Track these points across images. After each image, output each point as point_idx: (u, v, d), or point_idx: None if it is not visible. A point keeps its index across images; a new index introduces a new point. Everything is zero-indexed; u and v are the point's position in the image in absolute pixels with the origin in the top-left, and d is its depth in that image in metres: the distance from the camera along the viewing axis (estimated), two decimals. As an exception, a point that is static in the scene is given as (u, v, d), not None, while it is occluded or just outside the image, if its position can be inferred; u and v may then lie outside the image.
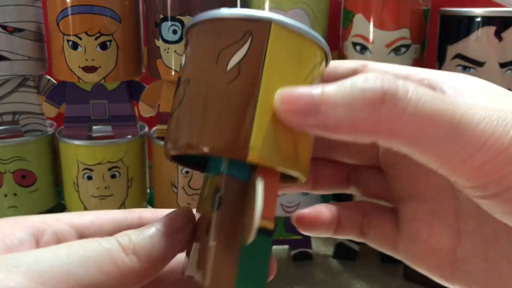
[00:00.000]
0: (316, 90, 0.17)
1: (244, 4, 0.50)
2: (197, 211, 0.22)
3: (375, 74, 0.17)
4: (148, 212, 0.24)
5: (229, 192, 0.20)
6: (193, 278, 0.21)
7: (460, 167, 0.17)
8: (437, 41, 0.51)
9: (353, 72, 0.21)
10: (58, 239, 0.21)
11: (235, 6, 0.48)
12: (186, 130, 0.19)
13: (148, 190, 0.55)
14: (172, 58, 0.46)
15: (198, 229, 0.21)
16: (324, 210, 0.25)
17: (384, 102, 0.16)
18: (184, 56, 0.21)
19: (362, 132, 0.17)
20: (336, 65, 0.23)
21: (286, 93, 0.18)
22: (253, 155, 0.19)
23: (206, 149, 0.19)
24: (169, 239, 0.21)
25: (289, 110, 0.18)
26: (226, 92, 0.19)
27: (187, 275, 0.20)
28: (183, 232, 0.22)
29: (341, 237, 0.26)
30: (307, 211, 0.25)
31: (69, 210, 0.52)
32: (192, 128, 0.19)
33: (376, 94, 0.16)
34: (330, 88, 0.17)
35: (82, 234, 0.22)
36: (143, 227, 0.21)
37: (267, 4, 0.47)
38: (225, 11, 0.20)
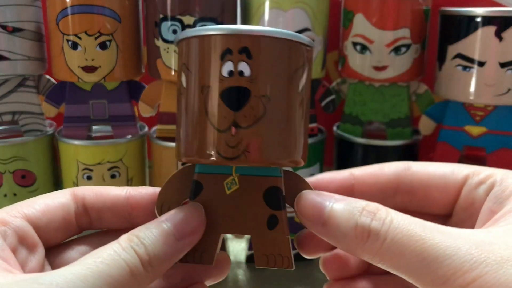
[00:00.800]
0: (327, 206, 0.22)
1: (244, 4, 0.50)
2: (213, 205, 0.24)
3: (371, 209, 0.21)
4: (90, 191, 0.25)
5: (286, 192, 0.24)
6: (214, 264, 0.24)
7: None
8: (437, 40, 0.51)
9: (398, 176, 0.25)
10: (20, 237, 0.22)
11: (235, 5, 0.48)
12: (272, 145, 0.23)
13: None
14: (172, 58, 0.46)
15: (250, 223, 0.24)
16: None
17: (369, 237, 0.21)
18: (243, 62, 0.22)
19: (353, 253, 0.22)
20: (381, 167, 0.26)
21: (306, 200, 0.23)
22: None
23: (289, 162, 0.23)
24: (180, 243, 0.22)
25: (304, 215, 0.23)
26: (300, 114, 0.23)
27: (259, 267, 0.24)
28: (194, 236, 0.23)
29: None
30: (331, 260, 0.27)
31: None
32: (279, 144, 0.23)
33: (364, 231, 0.21)
34: (338, 207, 0.22)
35: (36, 226, 0.23)
36: (155, 224, 0.22)
37: (267, 4, 0.47)
38: (298, 35, 0.23)
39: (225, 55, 0.22)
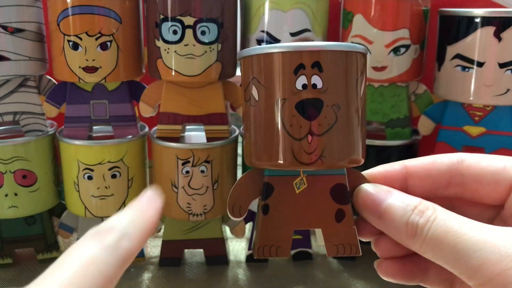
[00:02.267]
0: (384, 201, 0.25)
1: (244, 5, 0.50)
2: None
3: (421, 208, 0.24)
4: None
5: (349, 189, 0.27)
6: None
7: (470, 283, 0.21)
8: (436, 41, 0.51)
9: (450, 170, 0.26)
10: None
11: (235, 6, 0.48)
12: (342, 148, 0.25)
13: (148, 190, 0.55)
14: (172, 58, 0.46)
15: (319, 217, 0.26)
16: (408, 262, 0.27)
17: (416, 233, 0.23)
18: (316, 76, 0.24)
19: (403, 244, 0.24)
20: (433, 160, 0.27)
21: (364, 193, 0.25)
22: None
23: (353, 162, 0.25)
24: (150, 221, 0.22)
25: (362, 207, 0.25)
26: (362, 117, 0.26)
27: (330, 256, 0.28)
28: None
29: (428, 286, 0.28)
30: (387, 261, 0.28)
31: (70, 210, 0.52)
32: (348, 146, 0.25)
33: (413, 228, 0.23)
34: (393, 203, 0.24)
35: None
36: (132, 211, 0.21)
37: (267, 4, 0.47)
38: (357, 46, 0.25)
39: (299, 69, 0.24)
